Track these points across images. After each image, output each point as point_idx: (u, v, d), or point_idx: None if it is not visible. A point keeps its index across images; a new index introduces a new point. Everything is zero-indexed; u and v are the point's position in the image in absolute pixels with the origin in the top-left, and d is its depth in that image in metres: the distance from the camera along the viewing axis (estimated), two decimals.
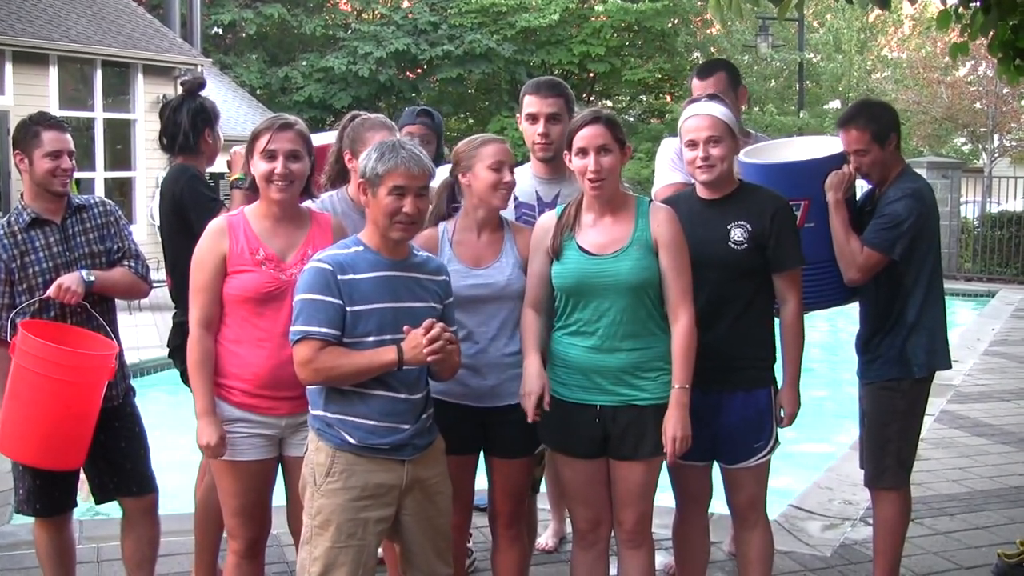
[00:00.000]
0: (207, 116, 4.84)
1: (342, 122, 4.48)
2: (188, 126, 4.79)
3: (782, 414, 4.15)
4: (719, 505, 4.40)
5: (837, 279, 4.51)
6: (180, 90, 5.00)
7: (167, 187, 4.73)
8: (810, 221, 4.41)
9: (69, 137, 4.34)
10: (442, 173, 4.90)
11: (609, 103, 32.97)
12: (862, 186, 4.76)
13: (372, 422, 3.52)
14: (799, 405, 4.18)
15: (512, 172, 3.99)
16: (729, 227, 4.03)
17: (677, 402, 3.80)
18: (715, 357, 3.94)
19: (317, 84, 30.97)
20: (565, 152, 3.96)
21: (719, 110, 4.06)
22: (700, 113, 4.06)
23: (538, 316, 3.96)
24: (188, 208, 4.58)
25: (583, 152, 3.84)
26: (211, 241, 3.82)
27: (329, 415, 3.55)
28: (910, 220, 4.39)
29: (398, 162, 3.50)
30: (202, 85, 4.92)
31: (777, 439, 4.16)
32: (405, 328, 3.45)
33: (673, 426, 3.78)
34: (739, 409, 4.06)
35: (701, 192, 4.15)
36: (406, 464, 3.57)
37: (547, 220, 4.02)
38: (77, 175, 4.84)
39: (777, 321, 4.19)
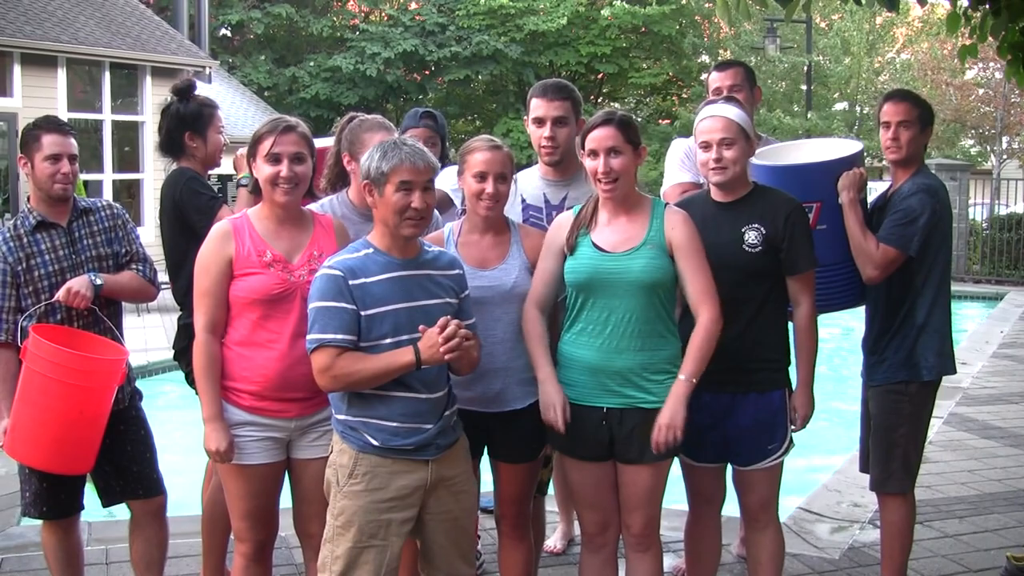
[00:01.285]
0: (186, 119, 4.78)
1: (339, 124, 4.45)
2: (165, 130, 4.81)
3: (795, 416, 4.15)
4: (727, 507, 4.38)
5: (847, 281, 4.51)
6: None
7: (167, 191, 4.72)
8: (821, 223, 4.39)
9: (72, 141, 4.33)
10: (447, 174, 4.89)
11: (617, 105, 32.95)
12: (873, 189, 4.75)
13: (395, 423, 3.52)
14: (813, 407, 4.18)
15: (500, 182, 3.93)
16: (743, 230, 4.03)
17: (676, 392, 3.77)
18: (729, 359, 3.94)
19: (324, 83, 30.99)
20: (580, 152, 3.96)
21: (734, 112, 4.06)
22: (715, 115, 4.06)
23: (542, 317, 3.96)
24: (189, 210, 4.58)
25: (594, 153, 3.85)
26: (216, 245, 3.81)
27: (352, 419, 3.55)
28: (925, 215, 4.38)
29: (403, 157, 3.50)
30: (189, 87, 4.86)
31: (792, 441, 4.15)
32: (421, 328, 3.45)
33: (665, 414, 3.76)
34: (752, 411, 4.06)
35: (715, 195, 4.15)
36: (430, 463, 3.58)
37: (564, 219, 4.03)
38: (85, 177, 4.86)
39: (791, 323, 4.19)
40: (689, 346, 3.82)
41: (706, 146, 4.04)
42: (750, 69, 5.30)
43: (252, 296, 3.75)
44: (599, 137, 3.84)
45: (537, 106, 4.44)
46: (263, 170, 3.80)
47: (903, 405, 4.53)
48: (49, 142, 4.25)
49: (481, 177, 3.92)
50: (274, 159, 3.79)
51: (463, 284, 3.73)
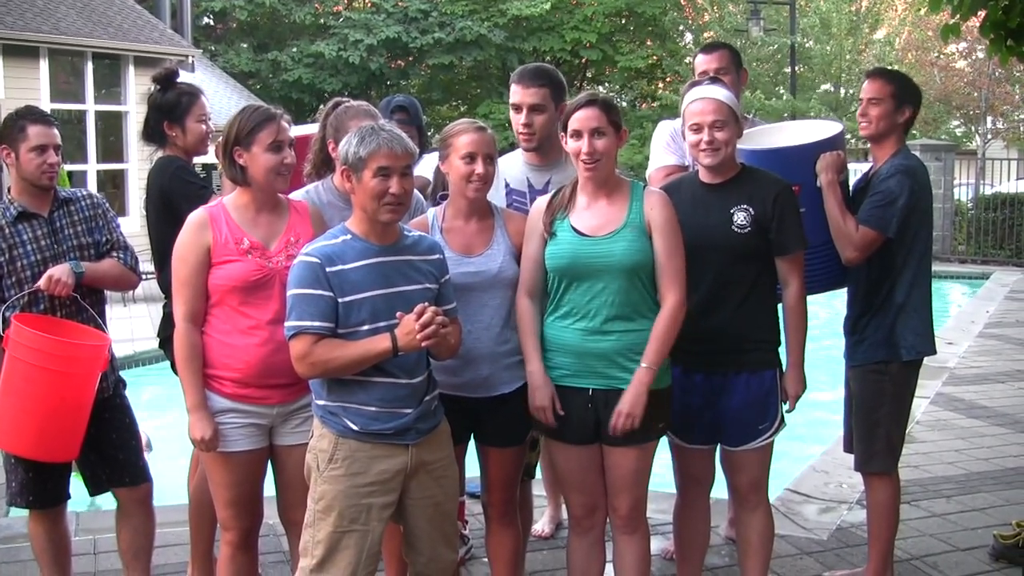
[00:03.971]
0: (163, 108, 4.77)
1: (324, 110, 4.44)
2: (146, 118, 4.81)
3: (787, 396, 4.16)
4: (715, 489, 4.39)
5: (828, 264, 4.51)
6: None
7: (153, 179, 4.71)
8: (801, 206, 4.40)
9: (56, 131, 4.32)
10: (430, 161, 4.87)
11: (602, 89, 32.91)
12: (856, 170, 4.75)
13: (374, 408, 3.53)
14: (805, 387, 4.19)
15: (488, 163, 3.92)
16: (732, 211, 4.03)
17: (638, 380, 3.77)
18: (720, 340, 3.96)
19: (307, 68, 30.89)
20: (560, 133, 3.94)
21: (723, 93, 4.06)
22: (705, 96, 4.05)
23: (534, 305, 3.94)
24: (178, 198, 4.55)
25: (577, 134, 3.83)
26: (193, 234, 3.81)
27: (331, 404, 3.56)
28: (903, 197, 4.39)
29: (380, 143, 3.49)
30: (170, 75, 4.85)
31: (783, 420, 4.16)
32: (398, 314, 3.44)
33: (626, 401, 3.76)
34: (743, 391, 4.07)
35: (704, 176, 4.14)
36: (410, 448, 3.58)
37: (542, 203, 4.01)
38: (69, 168, 4.84)
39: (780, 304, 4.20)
40: (653, 334, 3.80)
41: (697, 128, 4.03)
42: (736, 52, 5.27)
43: (231, 283, 3.75)
44: (583, 118, 3.82)
45: (514, 92, 4.43)
46: (265, 159, 3.78)
47: (884, 385, 4.54)
48: (35, 133, 4.24)
49: (470, 158, 3.90)
50: (277, 147, 3.80)
51: (443, 269, 3.72)
